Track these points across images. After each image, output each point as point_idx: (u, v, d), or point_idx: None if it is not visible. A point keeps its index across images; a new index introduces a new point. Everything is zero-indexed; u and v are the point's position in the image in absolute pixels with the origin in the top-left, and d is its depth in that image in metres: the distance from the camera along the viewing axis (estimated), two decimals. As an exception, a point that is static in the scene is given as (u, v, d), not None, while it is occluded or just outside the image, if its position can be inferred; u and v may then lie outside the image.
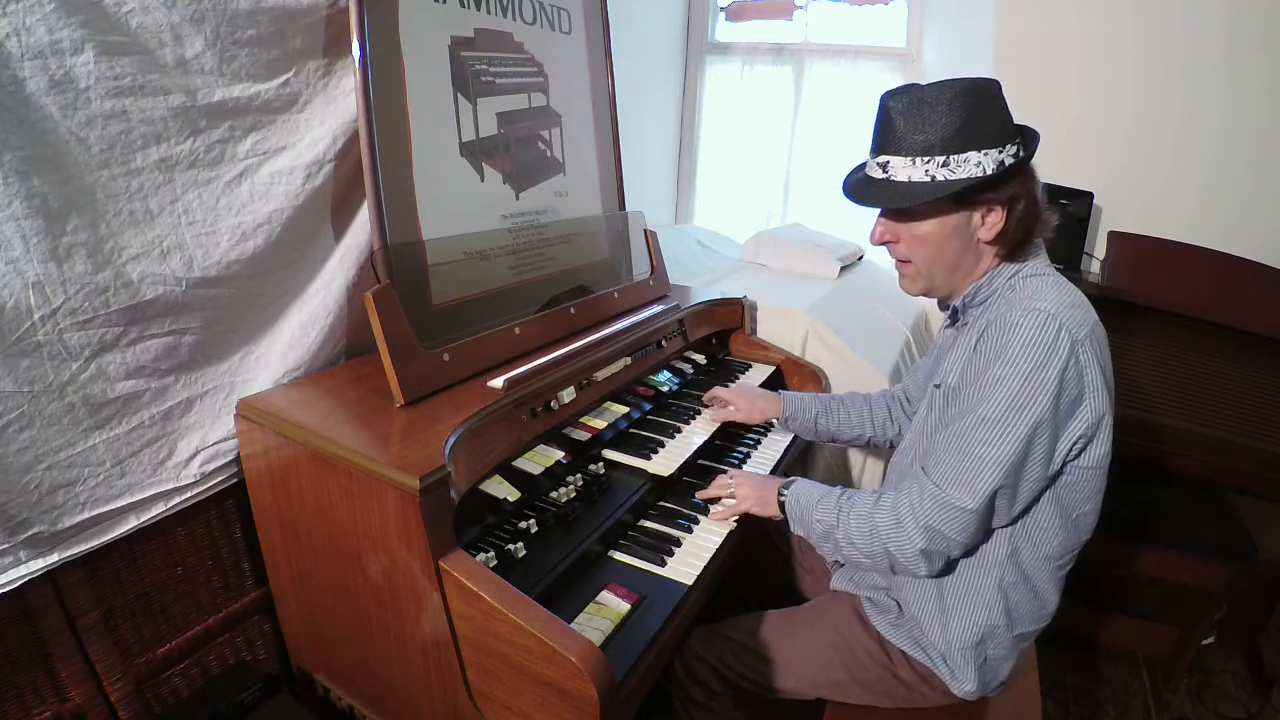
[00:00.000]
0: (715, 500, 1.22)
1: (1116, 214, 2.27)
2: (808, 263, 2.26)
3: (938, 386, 1.06)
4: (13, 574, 0.87)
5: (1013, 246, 0.99)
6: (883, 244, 1.05)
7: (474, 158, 1.29)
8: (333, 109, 1.11)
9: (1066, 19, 2.20)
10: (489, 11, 1.32)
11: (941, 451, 0.96)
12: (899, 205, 0.97)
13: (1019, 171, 0.95)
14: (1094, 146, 2.24)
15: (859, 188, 1.02)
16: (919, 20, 2.56)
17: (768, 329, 1.85)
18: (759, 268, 2.33)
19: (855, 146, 2.72)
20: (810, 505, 1.08)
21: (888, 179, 0.97)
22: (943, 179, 0.93)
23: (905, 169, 0.95)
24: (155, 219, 0.95)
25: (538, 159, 1.46)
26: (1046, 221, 1.00)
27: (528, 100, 1.43)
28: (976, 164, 0.92)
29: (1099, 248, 2.26)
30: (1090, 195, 2.18)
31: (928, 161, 0.93)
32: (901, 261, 1.05)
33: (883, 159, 0.98)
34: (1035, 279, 0.98)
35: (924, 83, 0.96)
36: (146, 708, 1.10)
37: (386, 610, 0.97)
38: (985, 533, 0.99)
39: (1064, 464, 0.94)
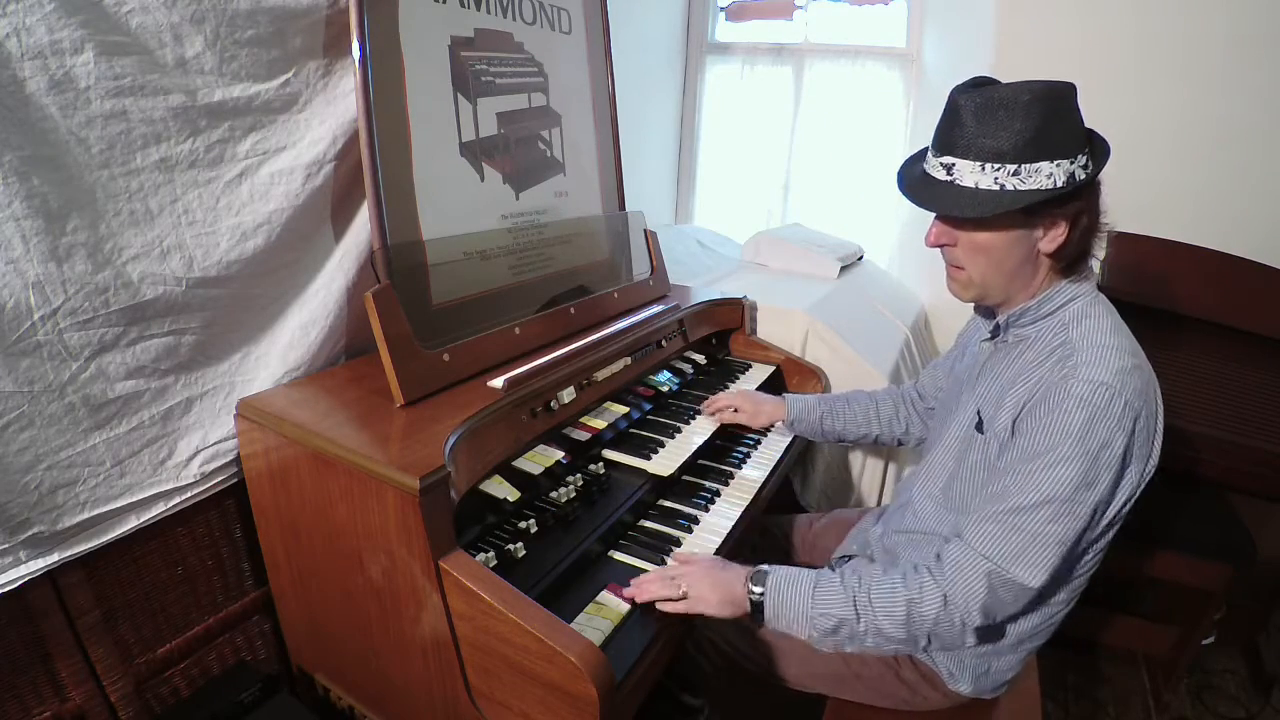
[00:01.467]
0: (658, 592, 0.97)
1: (1116, 214, 2.26)
2: (808, 263, 2.26)
3: (979, 431, 0.99)
4: (13, 574, 0.87)
5: (1070, 261, 0.94)
6: (938, 246, 0.98)
7: (474, 158, 1.29)
8: (333, 109, 1.11)
9: (1066, 19, 2.20)
10: (489, 11, 1.32)
11: (991, 524, 0.89)
12: (968, 214, 0.90)
13: (1089, 185, 0.90)
14: (1094, 146, 2.24)
15: (919, 188, 0.94)
16: (919, 20, 2.56)
17: (768, 329, 1.85)
18: (759, 268, 2.33)
19: (856, 146, 2.73)
20: (803, 598, 0.92)
21: (952, 182, 0.90)
22: (1012, 189, 0.87)
23: (973, 174, 0.88)
24: (155, 219, 0.95)
25: (538, 159, 1.46)
26: (1102, 235, 0.97)
27: (528, 100, 1.43)
28: (1048, 175, 0.86)
29: (1099, 248, 2.26)
30: (1090, 195, 2.18)
31: (998, 169, 0.87)
32: (955, 267, 0.99)
33: (947, 160, 0.91)
34: (1089, 323, 0.92)
35: (999, 80, 0.90)
36: (146, 708, 1.10)
37: (386, 610, 0.97)
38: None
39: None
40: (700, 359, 1.69)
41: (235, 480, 1.11)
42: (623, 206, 1.73)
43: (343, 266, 1.18)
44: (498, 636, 0.84)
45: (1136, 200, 2.22)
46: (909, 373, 2.03)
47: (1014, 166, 0.86)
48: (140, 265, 0.94)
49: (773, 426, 1.52)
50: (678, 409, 1.47)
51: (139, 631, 1.08)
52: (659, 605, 0.96)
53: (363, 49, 1.05)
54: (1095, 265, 0.99)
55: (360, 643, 1.06)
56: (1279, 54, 1.99)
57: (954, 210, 0.91)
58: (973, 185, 0.89)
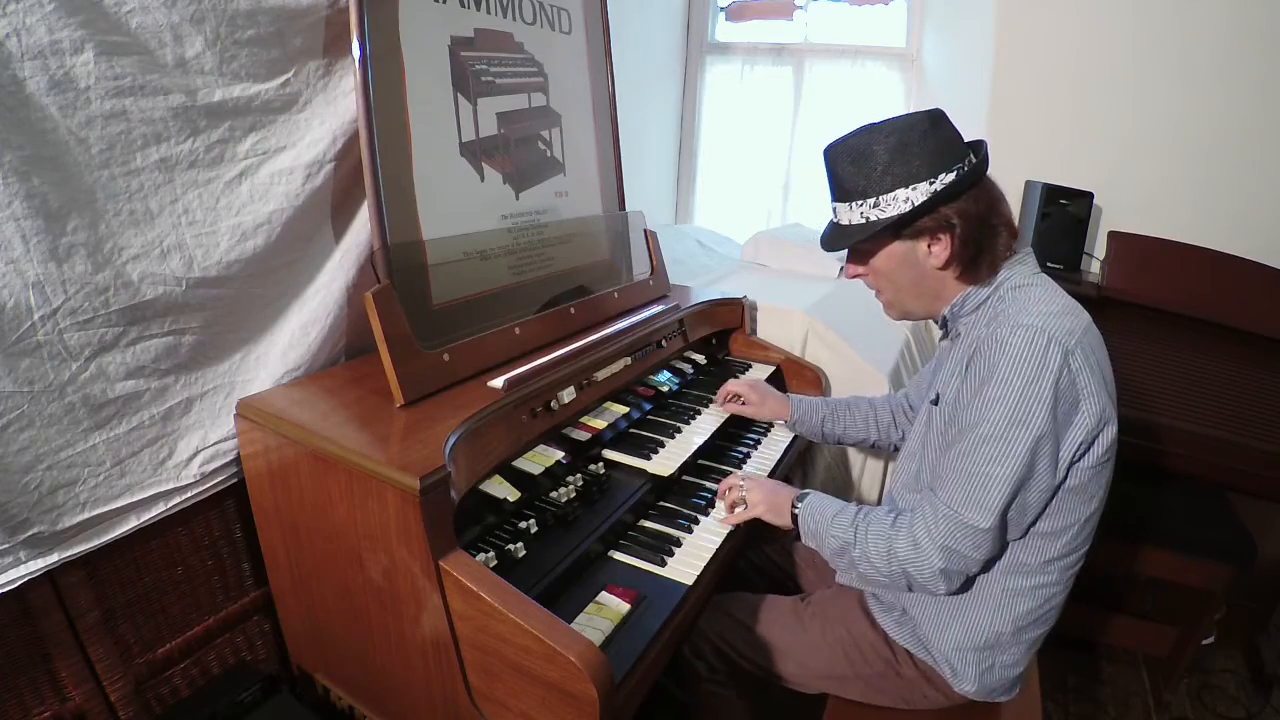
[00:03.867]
0: (726, 500, 1.22)
1: (1116, 214, 2.27)
2: (808, 263, 2.26)
3: (935, 403, 1.07)
4: (13, 574, 0.87)
5: (967, 266, 1.01)
6: (854, 278, 1.14)
7: (474, 158, 1.29)
8: (333, 109, 1.11)
9: (1066, 19, 2.20)
10: (489, 11, 1.32)
11: (947, 474, 0.96)
12: (840, 248, 1.07)
13: (950, 198, 0.97)
14: (1094, 146, 2.24)
15: (825, 235, 1.11)
16: (919, 20, 2.56)
17: (768, 329, 1.85)
18: (759, 268, 2.33)
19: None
20: (825, 520, 1.08)
21: (836, 223, 1.07)
22: (874, 219, 1.01)
23: (846, 213, 1.04)
24: (155, 219, 0.95)
25: (538, 159, 1.46)
26: (1013, 235, 1.01)
27: (528, 100, 1.43)
28: (905, 200, 0.98)
29: (1099, 248, 2.26)
30: (1090, 195, 2.18)
31: (860, 204, 1.01)
32: (877, 293, 1.13)
33: (833, 205, 1.07)
34: (1021, 290, 0.99)
35: (872, 123, 1.01)
36: (146, 708, 1.10)
37: (387, 610, 0.97)
38: (1001, 546, 0.99)
39: (1069, 469, 0.95)
40: (700, 359, 1.69)
41: (235, 480, 1.11)
42: (623, 206, 1.73)
43: (343, 266, 1.18)
44: (498, 636, 0.84)
45: (1136, 200, 2.23)
46: (909, 373, 2.03)
47: (873, 199, 1.00)
48: (140, 265, 0.94)
49: (772, 425, 1.53)
50: (678, 409, 1.47)
51: (139, 631, 1.08)
52: (722, 516, 1.20)
53: (363, 49, 1.05)
54: (1030, 249, 1.06)
55: (360, 643, 1.06)
56: (1278, 53, 1.99)
57: (834, 246, 1.08)
58: (847, 222, 1.05)
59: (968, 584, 1.04)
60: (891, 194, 0.98)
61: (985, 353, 0.93)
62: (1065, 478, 0.95)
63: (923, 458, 1.08)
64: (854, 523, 1.04)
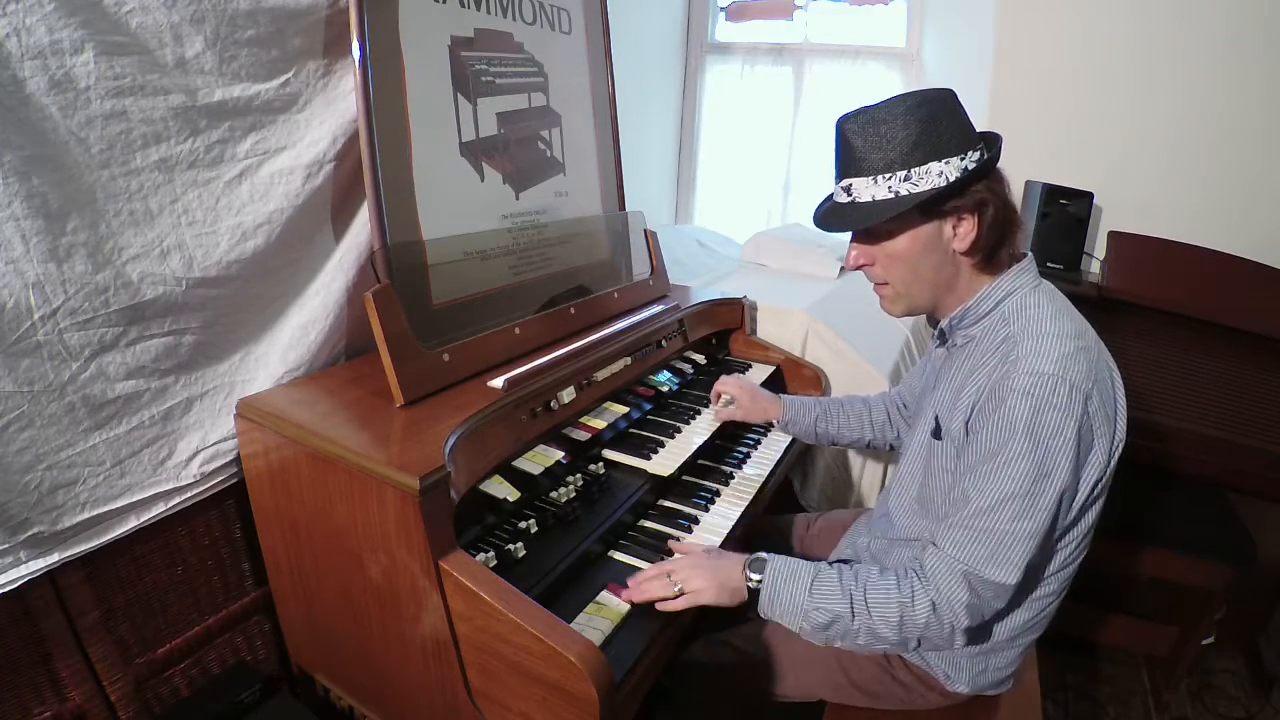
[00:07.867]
0: (652, 591, 0.96)
1: (1116, 214, 2.27)
2: (808, 263, 2.26)
3: (936, 436, 1.01)
4: (13, 574, 0.87)
5: (988, 253, 0.95)
6: (858, 268, 1.02)
7: (474, 158, 1.29)
8: (333, 109, 1.11)
9: (1066, 19, 2.20)
10: (489, 11, 1.32)
11: (960, 531, 0.90)
12: (866, 225, 0.95)
13: (984, 175, 0.93)
14: (1094, 146, 2.24)
15: (828, 215, 1.00)
16: (919, 20, 2.57)
17: (768, 329, 1.85)
18: (759, 268, 2.33)
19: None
20: (800, 590, 0.93)
21: (853, 201, 0.96)
22: (906, 193, 0.92)
23: (869, 189, 0.94)
24: (155, 219, 0.95)
25: (538, 159, 1.46)
26: (1021, 225, 0.97)
27: (528, 100, 1.43)
28: (939, 174, 0.91)
29: (1099, 248, 2.26)
30: (1090, 195, 2.18)
31: (890, 178, 0.92)
32: (880, 284, 1.03)
33: (846, 182, 0.96)
34: (1029, 314, 0.93)
35: (875, 103, 0.94)
36: (146, 708, 1.10)
37: (386, 610, 0.97)
38: None
39: (1083, 505, 0.93)
40: (700, 359, 1.69)
41: (235, 480, 1.11)
42: (623, 206, 1.73)
43: (343, 266, 1.18)
44: (497, 636, 0.84)
45: (1137, 200, 2.23)
46: (905, 379, 2.03)
47: (904, 172, 0.91)
48: (140, 265, 0.94)
49: (772, 425, 1.52)
50: (678, 409, 1.47)
51: (139, 631, 1.08)
52: (659, 606, 0.96)
53: (363, 49, 1.05)
54: (1031, 255, 1.01)
55: (360, 643, 1.06)
56: (1277, 54, 1.99)
57: (856, 224, 0.96)
58: (870, 199, 0.94)
59: None
60: (924, 167, 0.90)
61: (1005, 402, 0.87)
62: (1078, 515, 0.93)
63: (925, 483, 1.04)
64: (846, 591, 0.92)
